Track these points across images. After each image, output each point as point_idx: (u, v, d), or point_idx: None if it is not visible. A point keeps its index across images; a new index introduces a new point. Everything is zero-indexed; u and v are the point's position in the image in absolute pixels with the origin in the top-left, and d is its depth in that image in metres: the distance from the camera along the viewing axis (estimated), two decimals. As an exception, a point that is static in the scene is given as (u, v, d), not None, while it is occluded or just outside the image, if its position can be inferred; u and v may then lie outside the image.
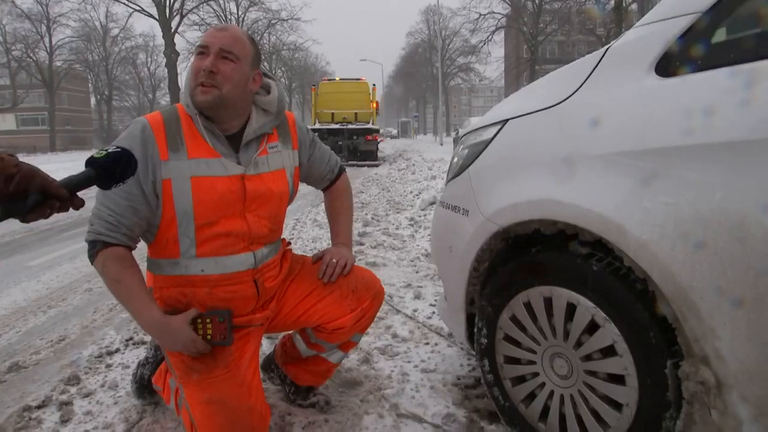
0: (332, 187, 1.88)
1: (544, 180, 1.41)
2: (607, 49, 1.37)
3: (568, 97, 1.41)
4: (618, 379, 1.32)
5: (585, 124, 1.34)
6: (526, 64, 40.06)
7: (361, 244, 4.57)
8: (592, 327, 1.35)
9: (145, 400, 1.91)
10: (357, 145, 16.24)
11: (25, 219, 0.90)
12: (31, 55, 43.71)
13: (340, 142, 15.67)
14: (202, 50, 1.44)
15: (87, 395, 2.04)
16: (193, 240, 1.47)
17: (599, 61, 1.36)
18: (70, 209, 0.95)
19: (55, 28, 44.11)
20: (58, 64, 46.02)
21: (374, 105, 17.41)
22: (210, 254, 1.49)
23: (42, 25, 43.30)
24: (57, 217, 6.02)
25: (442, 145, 28.62)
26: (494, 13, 38.05)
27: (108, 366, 2.31)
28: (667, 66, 1.20)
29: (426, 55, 55.31)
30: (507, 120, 1.60)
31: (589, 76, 1.37)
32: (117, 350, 2.49)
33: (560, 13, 36.40)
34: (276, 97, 1.60)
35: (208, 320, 1.47)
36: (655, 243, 1.16)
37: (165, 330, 1.43)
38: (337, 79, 18.58)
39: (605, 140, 1.29)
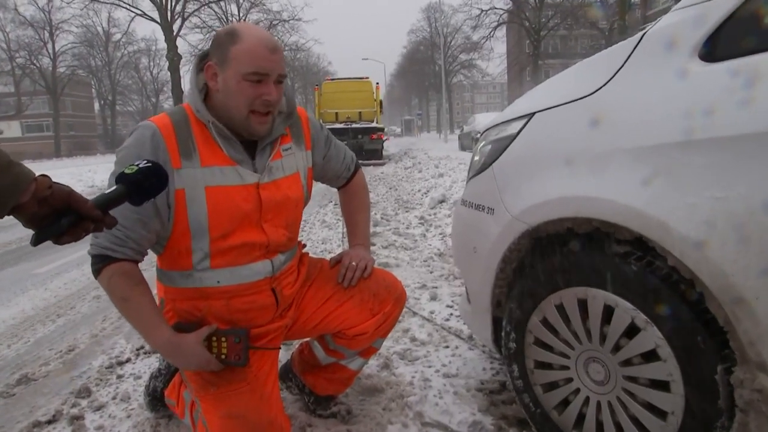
0: (348, 185, 1.80)
1: (578, 175, 1.33)
2: (644, 34, 1.28)
3: (601, 87, 1.33)
4: (662, 386, 1.24)
5: (621, 115, 1.26)
6: (529, 59, 39.81)
7: (372, 244, 4.49)
8: (632, 330, 1.27)
9: (159, 413, 1.84)
10: (362, 144, 16.15)
11: (58, 241, 0.87)
12: (35, 61, 43.94)
13: (345, 142, 15.42)
14: (260, 78, 1.32)
15: (98, 408, 1.98)
16: (207, 252, 1.38)
17: (635, 48, 1.28)
18: (104, 229, 0.93)
19: (58, 34, 44.39)
20: (62, 70, 46.22)
21: (378, 104, 17.33)
22: (225, 265, 1.41)
23: (45, 32, 43.55)
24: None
25: (446, 142, 28.51)
26: (496, 8, 37.83)
27: (119, 377, 2.25)
28: (712, 50, 1.12)
29: (428, 52, 55.06)
30: (533, 113, 1.52)
31: (623, 64, 1.29)
32: (128, 360, 2.43)
33: (562, 7, 36.19)
34: (288, 96, 1.51)
35: (223, 339, 1.39)
36: (703, 240, 1.08)
37: (177, 350, 1.35)
38: (353, 77, 18.43)
39: (645, 132, 1.20)
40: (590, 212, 1.30)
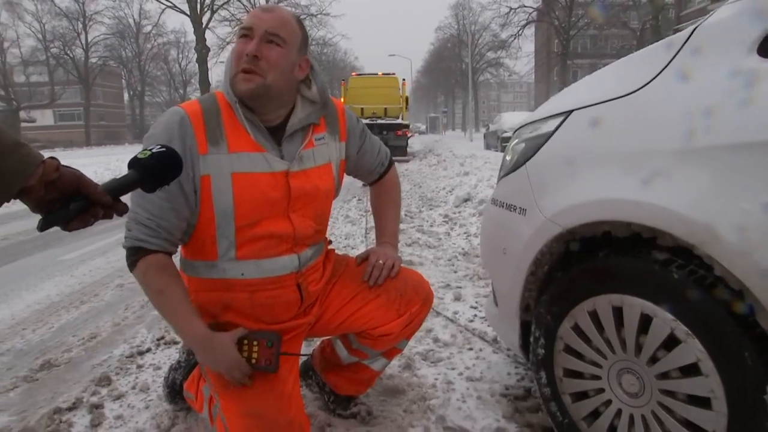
0: (381, 180, 1.75)
1: (617, 177, 1.26)
2: (694, 29, 1.21)
3: (646, 84, 1.25)
4: (702, 402, 1.16)
5: (667, 114, 1.19)
6: (558, 58, 39.28)
7: (396, 241, 4.44)
8: (671, 342, 1.20)
9: (177, 406, 1.82)
10: (387, 140, 16.06)
11: (67, 227, 0.82)
12: (68, 52, 44.89)
13: (370, 137, 15.57)
14: (246, 32, 1.30)
15: (118, 398, 1.97)
16: (233, 242, 1.35)
17: (684, 43, 1.20)
18: (114, 216, 0.88)
19: (91, 25, 45.35)
20: (94, 60, 47.16)
21: (404, 100, 17.26)
22: (251, 257, 1.37)
23: (79, 23, 44.41)
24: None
25: (471, 140, 28.29)
26: (525, 6, 37.42)
27: (139, 367, 2.25)
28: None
29: (455, 50, 54.77)
30: (571, 111, 1.46)
31: (672, 59, 1.22)
32: (148, 350, 2.43)
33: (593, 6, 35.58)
34: (320, 86, 1.47)
35: (255, 342, 1.35)
36: (756, 250, 1.01)
37: (209, 347, 1.31)
38: (379, 72, 18.36)
39: (693, 132, 1.13)
40: (630, 216, 1.23)
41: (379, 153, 1.70)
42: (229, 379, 1.34)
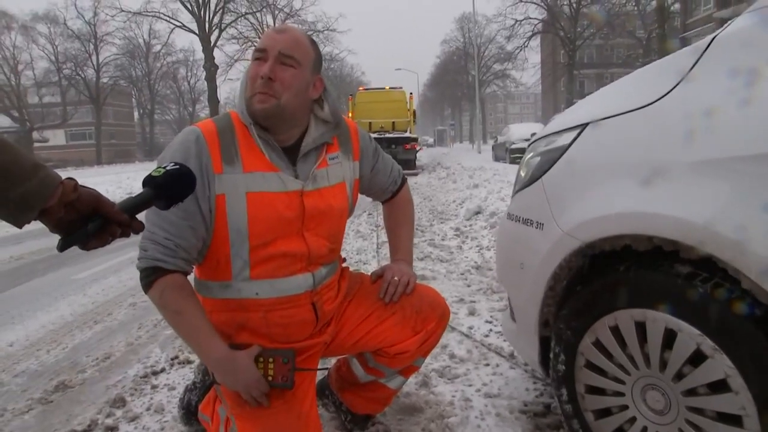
0: (394, 198, 1.74)
1: (638, 190, 1.24)
2: (713, 38, 1.19)
3: (665, 95, 1.24)
4: (733, 420, 1.13)
5: (688, 125, 1.17)
6: (564, 69, 39.37)
7: (407, 255, 4.42)
8: (698, 357, 1.17)
9: (193, 427, 1.80)
10: (395, 154, 16.12)
11: (85, 247, 0.83)
12: (80, 72, 45.50)
13: (378, 152, 15.59)
14: (260, 55, 1.31)
15: (133, 419, 1.96)
16: (247, 261, 1.34)
17: (703, 53, 1.19)
18: (131, 234, 0.89)
19: (102, 46, 45.94)
20: (105, 80, 47.76)
21: (412, 114, 17.31)
22: (265, 276, 1.36)
23: (90, 44, 45.06)
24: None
25: (480, 153, 28.28)
26: (530, 18, 37.60)
27: (153, 387, 2.23)
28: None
29: (461, 62, 54.94)
30: (587, 124, 1.44)
31: (690, 69, 1.20)
32: (162, 370, 2.41)
33: (598, 16, 35.65)
34: (332, 106, 1.47)
35: (270, 359, 1.34)
36: (784, 262, 0.98)
37: (230, 367, 1.30)
38: (386, 87, 18.45)
39: (715, 143, 1.11)
40: (652, 229, 1.21)
41: (392, 171, 1.70)
42: (247, 399, 1.33)
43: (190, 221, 1.28)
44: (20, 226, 0.79)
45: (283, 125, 1.36)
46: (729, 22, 1.21)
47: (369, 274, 1.68)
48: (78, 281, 4.48)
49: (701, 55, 1.19)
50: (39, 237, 6.45)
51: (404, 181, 1.76)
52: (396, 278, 1.58)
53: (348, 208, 1.53)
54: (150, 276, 1.28)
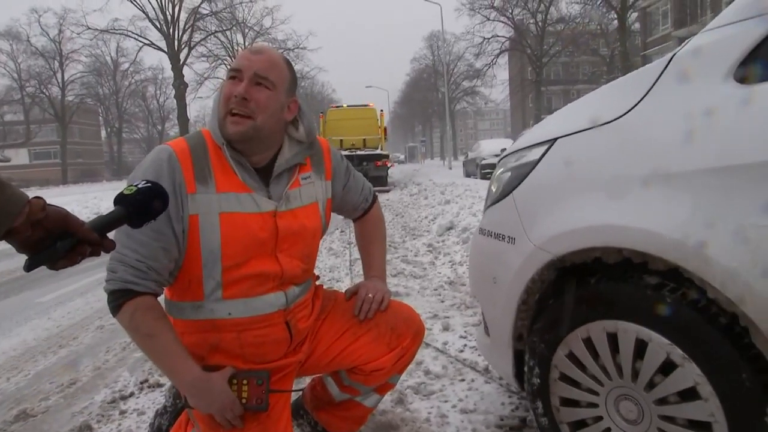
0: (365, 216, 1.73)
1: (606, 203, 1.27)
2: (672, 56, 1.24)
3: (628, 111, 1.27)
4: (703, 427, 1.15)
5: (651, 140, 1.21)
6: (532, 85, 40.22)
7: (381, 272, 4.40)
8: (668, 366, 1.20)
9: (164, 453, 1.75)
10: (367, 171, 16.16)
11: (54, 266, 0.81)
12: (44, 90, 44.61)
13: (349, 169, 15.58)
14: (235, 74, 1.30)
15: (100, 447, 1.89)
16: (220, 282, 1.32)
17: (663, 70, 1.23)
18: (101, 253, 0.87)
19: (68, 64, 45.15)
20: (70, 98, 46.89)
21: (383, 130, 17.41)
22: (238, 296, 1.34)
23: (55, 62, 44.24)
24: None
25: (450, 168, 28.58)
26: (498, 36, 38.38)
27: (122, 413, 2.17)
28: (749, 72, 1.07)
29: (431, 80, 55.66)
30: (555, 139, 1.47)
31: (652, 86, 1.24)
32: (131, 394, 2.35)
33: (563, 34, 36.65)
34: (307, 126, 1.47)
35: (244, 381, 1.31)
36: (747, 271, 1.01)
37: (204, 389, 1.27)
38: (345, 105, 18.61)
39: (677, 157, 1.15)
40: (621, 242, 1.23)
41: (363, 189, 1.70)
42: (221, 422, 1.29)
43: (161, 242, 1.25)
44: None
45: (257, 147, 1.35)
46: (686, 41, 1.26)
47: (343, 291, 1.67)
48: (42, 304, 4.33)
49: (662, 73, 1.23)
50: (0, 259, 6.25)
51: (375, 198, 1.76)
52: (370, 295, 1.57)
53: (321, 228, 1.52)
54: (119, 299, 1.24)
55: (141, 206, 0.93)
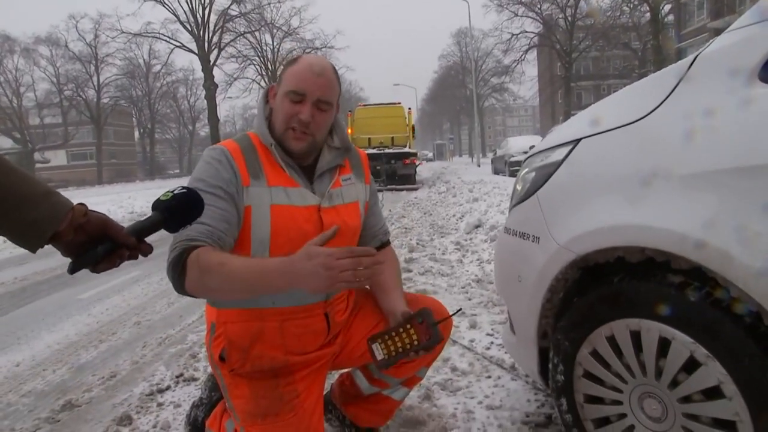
0: (382, 249, 1.68)
1: (629, 203, 1.28)
2: (696, 56, 1.24)
3: (651, 112, 1.29)
4: (728, 426, 1.16)
5: (675, 140, 1.22)
6: (561, 81, 39.56)
7: (409, 270, 4.45)
8: (692, 365, 1.21)
9: (199, 443, 1.83)
10: (395, 169, 16.21)
11: (95, 269, 0.87)
12: (81, 93, 45.93)
13: (378, 167, 15.64)
14: (297, 98, 1.38)
15: (140, 437, 1.98)
16: None
17: (687, 70, 1.24)
18: (139, 256, 0.93)
19: (103, 67, 46.43)
20: (105, 101, 48.18)
21: (411, 128, 17.39)
22: None
23: (91, 66, 45.53)
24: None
25: (479, 166, 28.40)
26: (526, 32, 37.85)
27: (159, 405, 2.26)
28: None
29: (459, 76, 55.34)
30: (579, 139, 1.49)
31: (675, 87, 1.25)
32: (168, 387, 2.44)
33: (594, 29, 35.96)
34: (341, 135, 1.56)
35: (402, 331, 1.39)
36: (770, 271, 1.02)
37: (300, 265, 1.15)
38: (373, 104, 18.66)
39: (701, 157, 1.16)
40: (644, 241, 1.25)
41: (383, 221, 1.73)
42: (346, 280, 1.13)
43: (225, 218, 1.30)
44: (33, 250, 0.83)
45: (308, 152, 1.46)
46: (711, 40, 1.26)
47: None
48: (82, 301, 4.50)
49: (685, 73, 1.24)
50: (43, 258, 6.49)
51: (389, 242, 1.74)
52: None
53: (360, 228, 1.58)
54: (183, 255, 1.22)
55: (177, 211, 0.97)
